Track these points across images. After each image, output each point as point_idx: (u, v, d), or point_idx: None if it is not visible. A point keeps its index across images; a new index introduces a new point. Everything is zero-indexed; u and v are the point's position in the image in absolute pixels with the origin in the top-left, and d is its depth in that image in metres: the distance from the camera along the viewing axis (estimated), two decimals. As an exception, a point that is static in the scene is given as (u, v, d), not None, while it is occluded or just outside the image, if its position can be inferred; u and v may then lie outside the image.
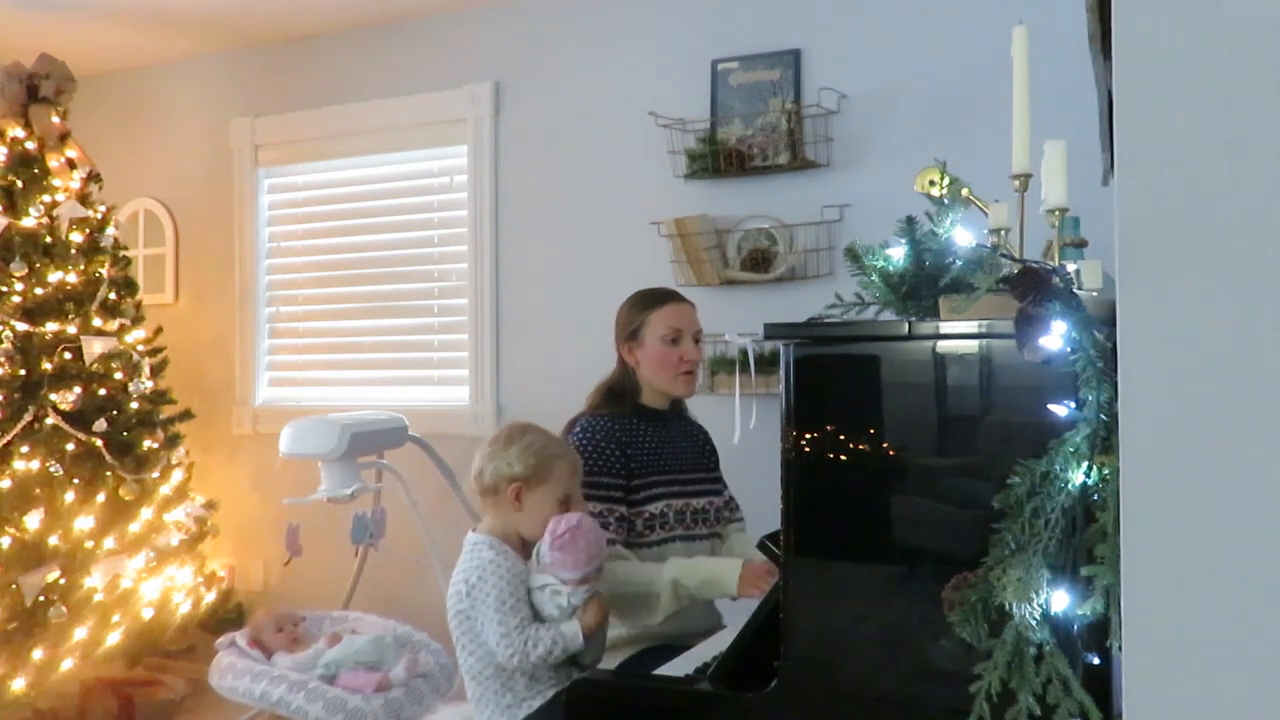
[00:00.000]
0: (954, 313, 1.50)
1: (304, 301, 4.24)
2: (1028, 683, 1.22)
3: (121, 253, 3.75)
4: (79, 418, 3.40)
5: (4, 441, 3.29)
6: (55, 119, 3.66)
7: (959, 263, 1.63)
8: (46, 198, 3.55)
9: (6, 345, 3.35)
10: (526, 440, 2.14)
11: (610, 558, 2.30)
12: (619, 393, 2.52)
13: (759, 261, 3.31)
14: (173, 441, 3.70)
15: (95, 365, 3.47)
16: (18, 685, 3.15)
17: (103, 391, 3.50)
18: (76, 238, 3.58)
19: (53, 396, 3.35)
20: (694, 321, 2.55)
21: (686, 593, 2.28)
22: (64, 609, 3.24)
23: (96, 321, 3.55)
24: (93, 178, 3.75)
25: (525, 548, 2.15)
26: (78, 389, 3.39)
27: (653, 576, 2.28)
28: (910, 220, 1.67)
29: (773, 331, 1.58)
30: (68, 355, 3.44)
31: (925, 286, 1.66)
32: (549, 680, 2.05)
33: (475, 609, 2.03)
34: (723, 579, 2.26)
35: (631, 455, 2.41)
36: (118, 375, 3.55)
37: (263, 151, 4.27)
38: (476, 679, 2.08)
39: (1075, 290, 1.28)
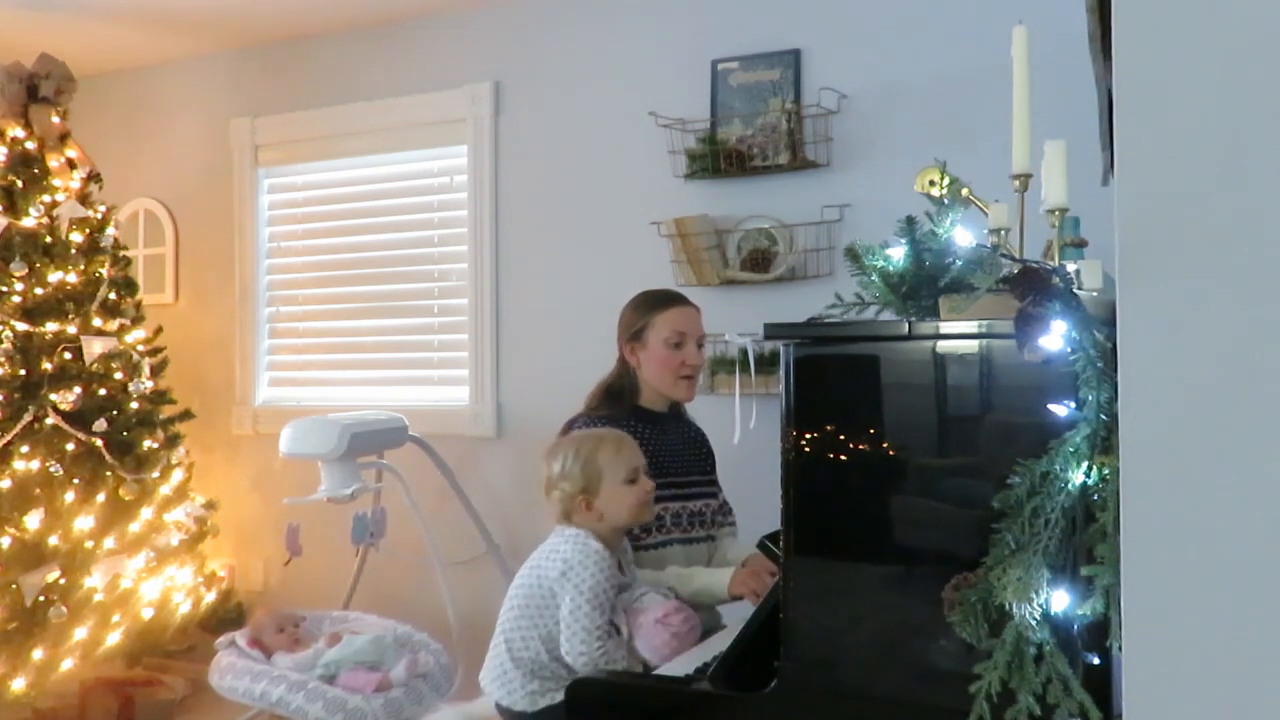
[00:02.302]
0: (954, 313, 1.50)
1: (304, 301, 4.24)
2: (1028, 683, 1.22)
3: (121, 253, 3.75)
4: (79, 418, 3.39)
5: (4, 441, 3.29)
6: (55, 119, 3.66)
7: (959, 263, 1.63)
8: (46, 198, 3.55)
9: (6, 345, 3.35)
10: (561, 455, 2.16)
11: None
12: (618, 393, 2.52)
13: (759, 261, 3.31)
14: (173, 441, 3.70)
15: (95, 365, 3.47)
16: (18, 685, 3.15)
17: (103, 391, 3.50)
18: (76, 238, 3.58)
19: (53, 396, 3.35)
20: (698, 326, 2.55)
21: (681, 598, 2.29)
22: (64, 609, 3.24)
23: (96, 321, 3.55)
24: (93, 178, 3.75)
25: (615, 550, 2.15)
26: (78, 389, 3.39)
27: (650, 581, 2.29)
28: (910, 220, 1.67)
29: (773, 331, 1.58)
30: (68, 355, 3.44)
31: (925, 286, 1.66)
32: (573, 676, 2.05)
33: (566, 591, 2.02)
34: (715, 586, 2.28)
35: None
36: (118, 375, 3.55)
37: (263, 151, 4.27)
38: (512, 653, 2.06)
39: (1075, 290, 1.28)
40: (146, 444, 3.56)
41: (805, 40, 3.33)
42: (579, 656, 1.99)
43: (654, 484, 2.21)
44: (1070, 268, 1.46)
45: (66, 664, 3.27)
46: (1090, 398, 1.20)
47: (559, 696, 2.02)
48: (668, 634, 1.99)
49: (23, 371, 3.37)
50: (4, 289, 3.40)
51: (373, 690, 2.79)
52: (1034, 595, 1.21)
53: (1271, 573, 0.90)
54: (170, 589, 3.59)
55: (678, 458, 2.52)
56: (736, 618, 2.17)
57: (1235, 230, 0.92)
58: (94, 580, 3.33)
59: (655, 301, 2.55)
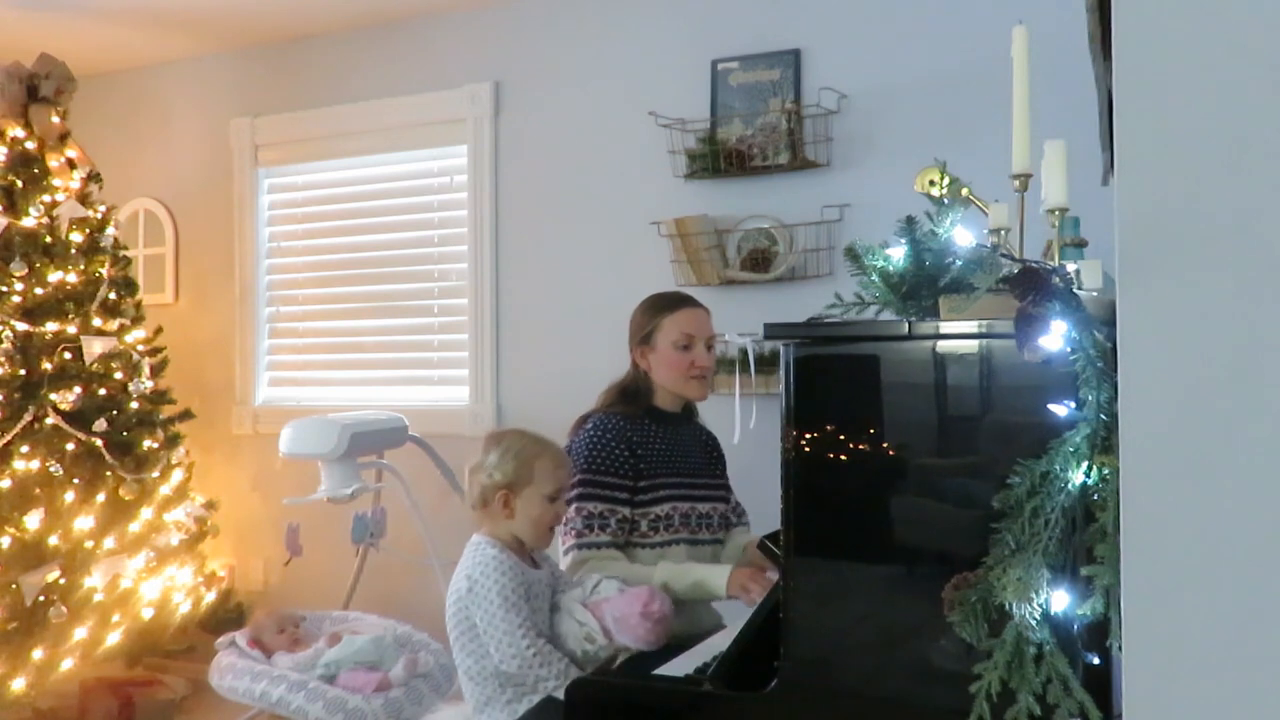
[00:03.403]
0: (954, 313, 1.50)
1: (304, 301, 4.24)
2: (1028, 683, 1.22)
3: (121, 253, 3.75)
4: (79, 418, 3.40)
5: (4, 441, 3.29)
6: (55, 119, 3.66)
7: (959, 263, 1.63)
8: (46, 198, 3.55)
9: (6, 345, 3.35)
10: (503, 446, 2.15)
11: (602, 559, 2.31)
12: (632, 394, 2.52)
13: (759, 261, 3.31)
14: (173, 441, 3.70)
15: (95, 365, 3.47)
16: (18, 685, 3.15)
17: (103, 391, 3.50)
18: (76, 238, 3.58)
19: (53, 396, 3.35)
20: (707, 327, 2.54)
21: (675, 595, 2.28)
22: (64, 609, 3.24)
23: (96, 321, 3.55)
24: (93, 178, 3.75)
25: (524, 551, 2.15)
26: (78, 389, 3.39)
27: (643, 578, 2.29)
28: (910, 220, 1.66)
29: (773, 331, 1.58)
30: (68, 355, 3.44)
31: (925, 286, 1.66)
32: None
33: (476, 605, 2.04)
34: (711, 581, 2.28)
35: (641, 456, 2.41)
36: (118, 375, 3.55)
37: (263, 151, 4.27)
38: (474, 679, 2.08)
39: (1075, 290, 1.28)
40: (146, 444, 3.56)
41: (805, 40, 3.33)
42: (511, 660, 2.01)
43: (566, 510, 2.23)
44: (1070, 268, 1.46)
45: (66, 664, 3.27)
46: (1090, 398, 1.20)
47: (536, 697, 2.03)
48: (651, 623, 2.00)
49: (23, 371, 3.37)
50: (4, 289, 3.40)
51: (373, 690, 2.79)
52: (1034, 595, 1.21)
53: (1271, 573, 0.90)
54: (170, 589, 3.59)
55: (689, 459, 2.52)
56: (736, 618, 2.17)
57: (1235, 230, 0.92)
58: (94, 580, 3.32)
59: (662, 305, 2.54)
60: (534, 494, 2.12)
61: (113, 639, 3.38)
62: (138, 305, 3.76)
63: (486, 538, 2.12)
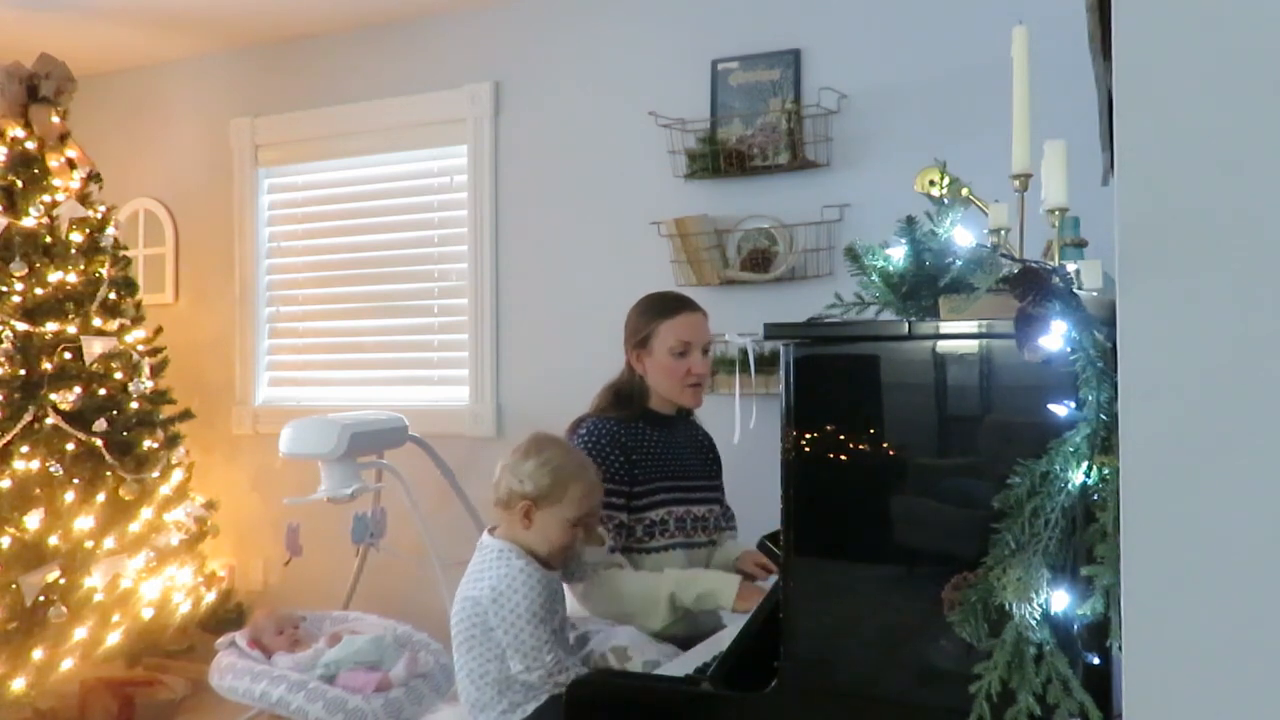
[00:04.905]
0: (954, 313, 1.50)
1: (304, 301, 4.24)
2: (1028, 683, 1.22)
3: (121, 253, 3.75)
4: (79, 418, 3.39)
5: (4, 441, 3.29)
6: (55, 119, 3.66)
7: (959, 263, 1.63)
8: (46, 198, 3.55)
9: (6, 345, 3.35)
10: (544, 457, 2.09)
11: (606, 565, 2.30)
12: (627, 396, 2.50)
13: (759, 261, 3.31)
14: (173, 441, 3.70)
15: (95, 365, 3.47)
16: (18, 685, 3.14)
17: (103, 391, 3.50)
18: (76, 238, 3.58)
19: (53, 396, 3.35)
20: (704, 332, 2.51)
21: (683, 606, 2.28)
22: (64, 609, 3.24)
23: (96, 321, 3.55)
24: (93, 178, 3.75)
25: (541, 560, 2.12)
26: (78, 389, 3.39)
27: (651, 589, 2.28)
28: (910, 220, 1.66)
29: (773, 331, 1.57)
30: (68, 355, 3.44)
31: (925, 286, 1.66)
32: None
33: (499, 616, 2.00)
34: (719, 594, 2.26)
35: (636, 460, 2.40)
36: (118, 375, 3.55)
37: (263, 151, 4.27)
38: (475, 681, 2.06)
39: (1075, 290, 1.28)
40: (146, 444, 3.56)
41: (805, 40, 3.33)
42: (534, 673, 2.00)
43: (582, 536, 2.18)
44: (1070, 268, 1.46)
45: (66, 664, 3.27)
46: (1090, 398, 1.20)
47: (530, 707, 2.03)
48: None
49: (23, 371, 3.37)
50: (4, 289, 3.40)
51: (373, 690, 2.79)
52: (1034, 595, 1.21)
53: (1271, 573, 0.90)
54: (170, 589, 3.59)
55: (685, 462, 2.51)
56: (736, 618, 2.17)
57: (1235, 230, 0.92)
58: (94, 580, 3.32)
59: (660, 309, 2.50)
60: (557, 514, 2.07)
61: (113, 639, 3.38)
62: (138, 305, 3.76)
63: (510, 545, 2.06)
